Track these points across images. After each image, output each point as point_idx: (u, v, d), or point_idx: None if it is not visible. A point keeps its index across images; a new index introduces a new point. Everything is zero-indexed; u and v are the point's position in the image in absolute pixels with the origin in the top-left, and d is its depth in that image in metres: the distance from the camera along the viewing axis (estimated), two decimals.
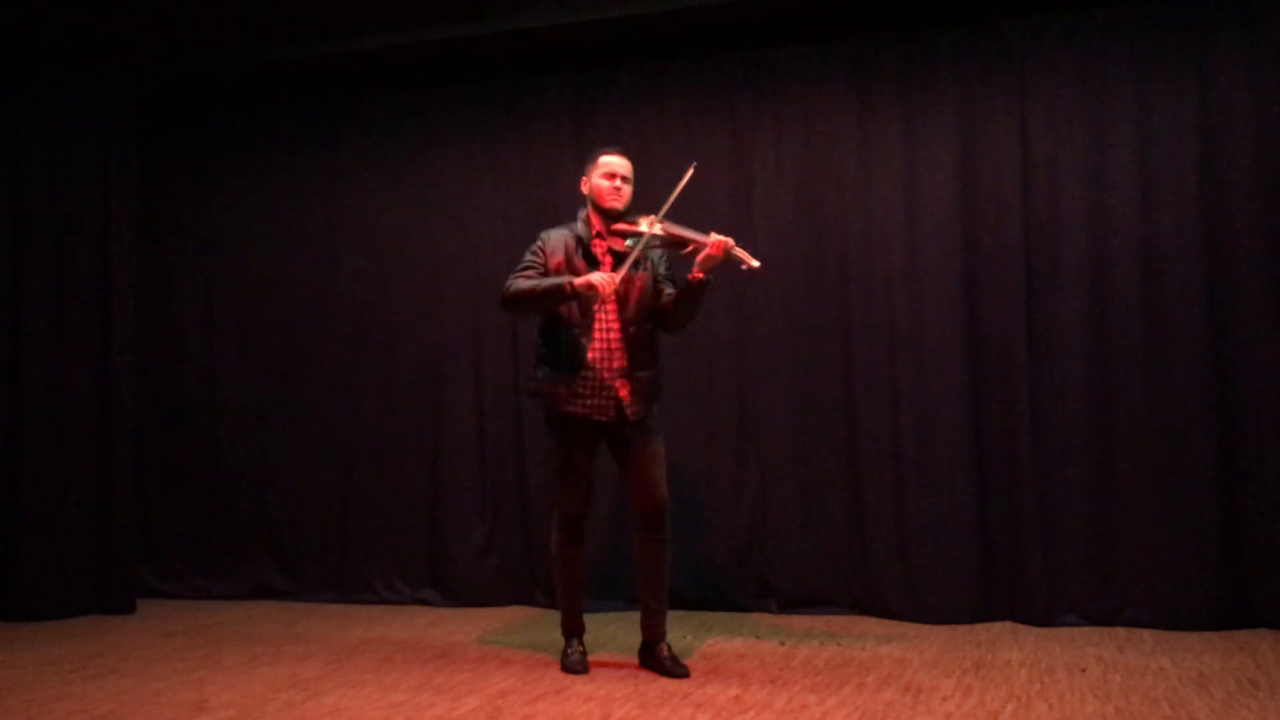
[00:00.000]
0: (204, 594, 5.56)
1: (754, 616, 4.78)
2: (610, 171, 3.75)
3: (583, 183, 3.84)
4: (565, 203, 5.16)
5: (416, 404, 5.40)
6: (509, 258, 5.26)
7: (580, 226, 3.79)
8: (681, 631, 4.39)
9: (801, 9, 4.86)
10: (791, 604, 4.83)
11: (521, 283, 3.69)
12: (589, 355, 3.67)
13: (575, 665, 3.79)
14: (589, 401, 3.68)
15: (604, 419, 3.70)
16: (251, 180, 5.73)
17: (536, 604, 5.15)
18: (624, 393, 3.68)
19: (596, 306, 3.65)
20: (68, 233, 5.19)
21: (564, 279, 3.61)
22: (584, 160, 3.86)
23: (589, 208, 3.81)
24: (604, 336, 3.70)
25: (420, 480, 5.37)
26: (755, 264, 3.61)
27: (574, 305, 3.68)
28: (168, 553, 5.66)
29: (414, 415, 5.40)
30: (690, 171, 3.69)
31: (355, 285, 5.54)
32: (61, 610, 5.01)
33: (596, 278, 3.55)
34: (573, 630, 3.88)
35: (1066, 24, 4.63)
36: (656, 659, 3.77)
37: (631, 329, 3.71)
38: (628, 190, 3.78)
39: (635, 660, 3.87)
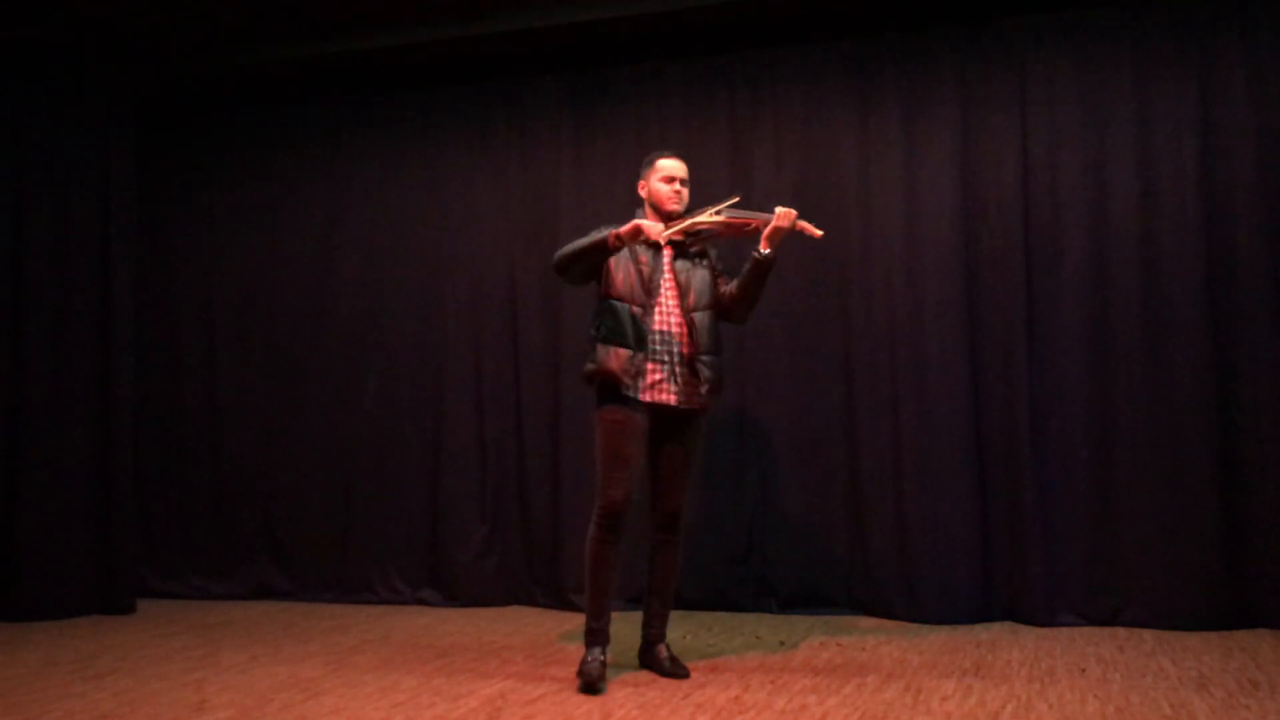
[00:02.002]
0: (204, 594, 5.56)
1: (754, 616, 4.78)
2: (670, 175, 3.77)
3: (640, 186, 3.83)
4: (565, 203, 5.19)
5: (416, 404, 5.40)
6: (509, 258, 5.30)
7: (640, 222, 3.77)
8: (681, 631, 4.39)
9: (801, 9, 4.86)
10: (791, 604, 4.83)
11: (574, 243, 3.70)
12: (650, 336, 3.64)
13: (593, 675, 3.54)
14: (648, 384, 3.64)
15: (664, 403, 3.65)
16: (251, 180, 5.73)
17: (536, 604, 5.15)
18: (685, 380, 3.67)
19: (642, 240, 3.64)
20: (68, 233, 5.19)
21: (609, 230, 3.63)
22: (644, 164, 3.84)
23: (646, 209, 3.82)
24: (665, 321, 3.68)
25: (420, 480, 5.37)
26: (819, 233, 3.75)
27: (636, 285, 3.67)
28: (168, 553, 5.66)
29: (414, 415, 5.40)
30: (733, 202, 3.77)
31: (355, 285, 5.54)
32: (61, 610, 5.01)
33: (644, 222, 3.59)
34: (597, 638, 3.64)
35: (1066, 24, 4.63)
36: (656, 659, 3.77)
37: (692, 314, 3.70)
38: (685, 193, 3.80)
39: (635, 660, 3.87)
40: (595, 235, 3.67)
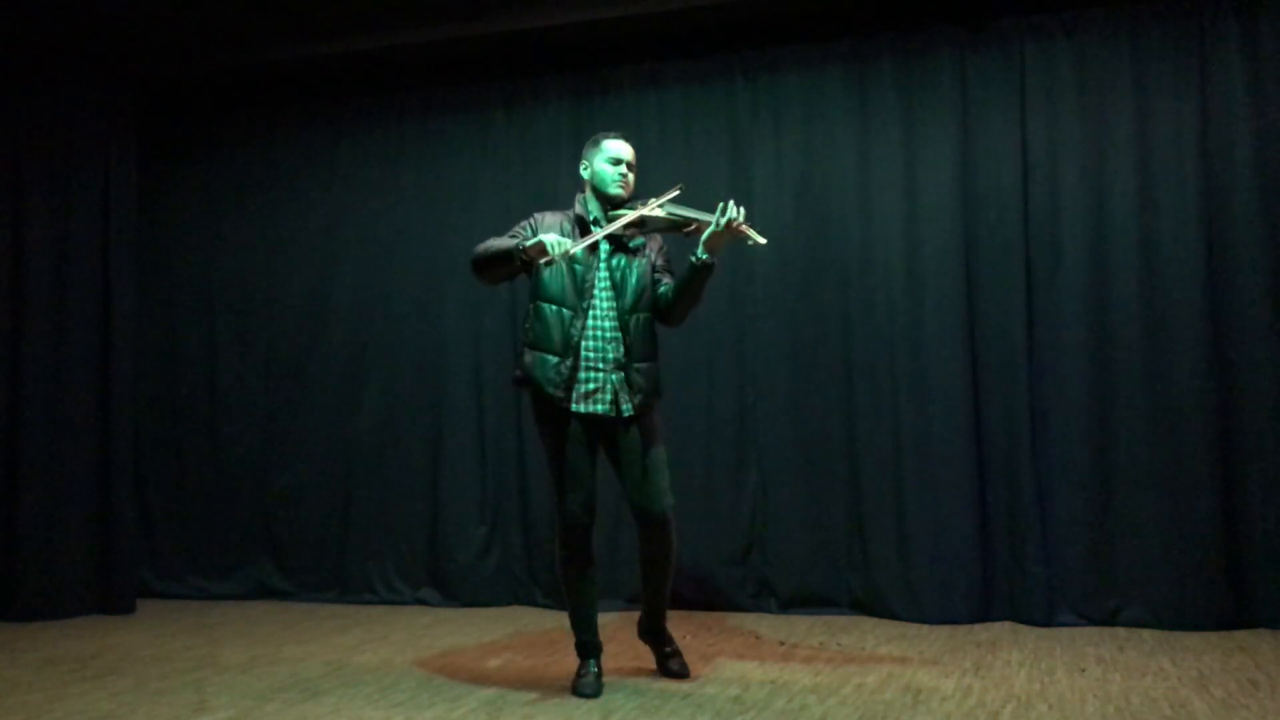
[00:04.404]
0: (204, 594, 5.56)
1: (754, 616, 4.78)
2: (616, 157, 3.54)
3: (582, 166, 3.62)
4: (565, 203, 5.16)
5: (416, 404, 5.40)
6: None
7: (579, 209, 3.59)
8: (681, 631, 4.38)
9: (801, 9, 4.86)
10: (791, 604, 4.83)
11: (487, 242, 3.50)
12: (582, 342, 3.44)
13: (587, 688, 3.47)
14: (581, 393, 3.44)
15: (598, 413, 3.45)
16: (251, 180, 5.73)
17: (536, 604, 5.15)
18: (619, 389, 3.46)
19: (543, 262, 3.36)
20: (68, 232, 5.19)
21: (518, 240, 3.41)
22: (584, 144, 3.67)
23: (588, 193, 3.61)
24: (598, 324, 3.48)
25: (420, 480, 5.37)
26: (762, 241, 3.42)
27: (569, 286, 3.46)
28: (168, 553, 5.66)
29: (414, 415, 5.40)
30: (675, 191, 3.48)
31: (355, 285, 5.54)
32: (61, 610, 5.01)
33: (550, 238, 3.31)
34: (587, 650, 3.58)
35: (1066, 24, 4.63)
36: (659, 650, 3.75)
37: (628, 317, 3.49)
38: (632, 179, 3.58)
39: (635, 661, 3.86)
40: (503, 240, 3.44)
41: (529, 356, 3.50)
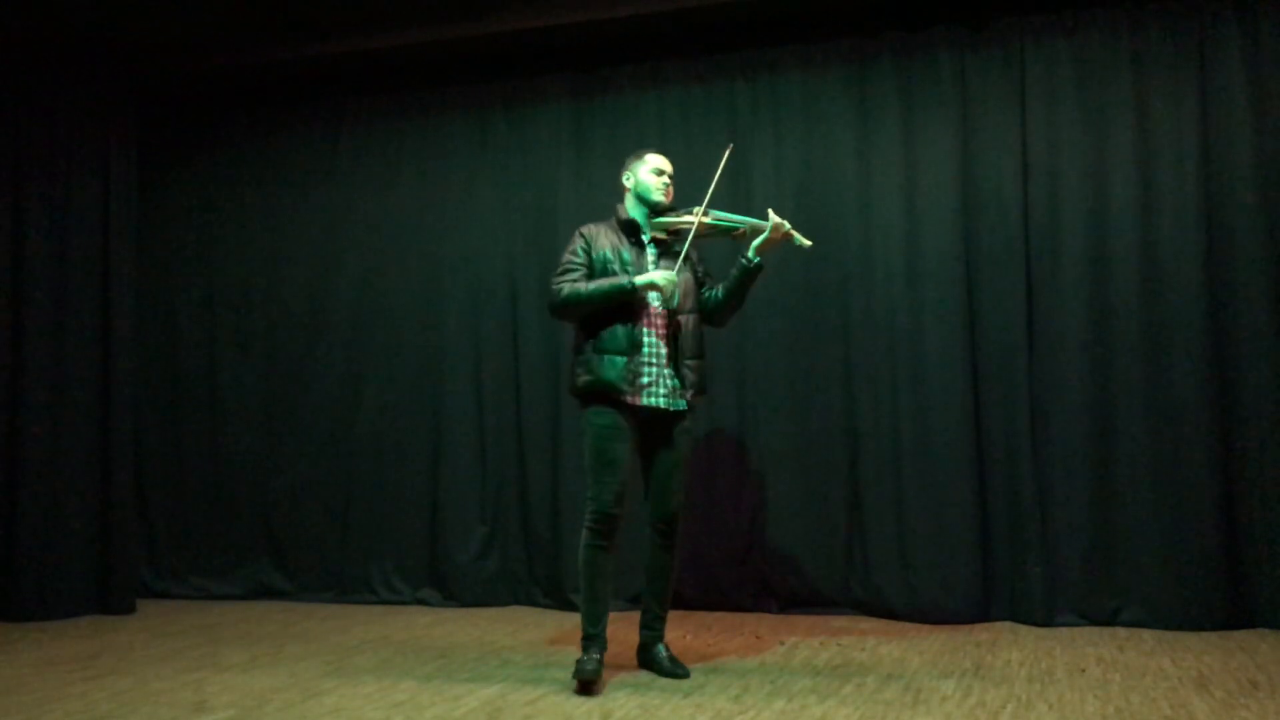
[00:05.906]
0: (204, 594, 5.56)
1: (754, 616, 4.78)
2: (659, 168, 3.80)
3: (624, 178, 3.85)
4: (565, 203, 5.19)
5: (416, 404, 5.40)
6: (509, 258, 5.30)
7: (625, 215, 3.81)
8: (681, 631, 4.39)
9: (801, 9, 4.86)
10: (791, 604, 4.84)
11: (577, 285, 3.66)
12: (643, 340, 3.65)
13: (588, 673, 3.53)
14: (640, 386, 3.63)
15: (657, 406, 3.65)
16: (251, 180, 5.73)
17: (536, 604, 5.15)
18: (672, 383, 3.68)
19: (657, 307, 3.67)
20: (68, 233, 5.19)
21: (625, 278, 3.63)
22: (628, 160, 3.86)
23: (631, 201, 3.83)
24: (652, 324, 3.69)
25: (420, 480, 5.37)
26: (808, 243, 3.79)
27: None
28: (168, 553, 5.66)
29: (414, 415, 5.40)
30: (727, 153, 3.82)
31: (355, 285, 5.54)
32: (61, 610, 5.01)
33: (660, 277, 3.60)
34: (594, 643, 3.63)
35: (1066, 24, 4.63)
36: (656, 659, 3.77)
37: (679, 318, 3.71)
38: (671, 189, 3.82)
39: (635, 660, 3.87)
40: (609, 281, 3.63)
41: (596, 360, 3.65)
